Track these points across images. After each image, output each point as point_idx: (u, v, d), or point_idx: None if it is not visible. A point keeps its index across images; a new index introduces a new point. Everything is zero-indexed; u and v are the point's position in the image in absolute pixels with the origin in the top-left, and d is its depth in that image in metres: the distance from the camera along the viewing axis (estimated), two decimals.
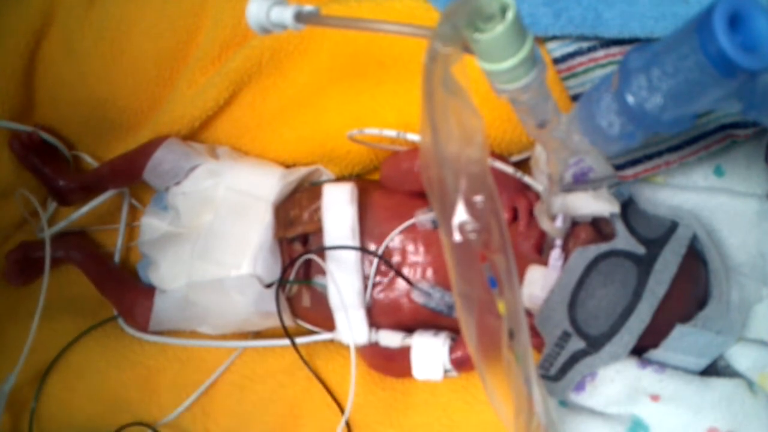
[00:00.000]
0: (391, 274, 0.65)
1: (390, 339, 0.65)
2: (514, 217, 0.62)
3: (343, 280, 0.64)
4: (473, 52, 0.37)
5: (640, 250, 0.57)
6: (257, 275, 0.66)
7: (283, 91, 0.70)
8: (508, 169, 0.60)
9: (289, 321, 0.68)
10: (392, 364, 0.66)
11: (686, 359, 0.58)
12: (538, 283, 0.58)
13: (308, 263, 0.67)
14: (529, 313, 0.59)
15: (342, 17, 0.43)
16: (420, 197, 0.66)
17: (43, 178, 0.76)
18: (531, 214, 0.61)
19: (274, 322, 0.68)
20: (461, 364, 0.63)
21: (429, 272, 0.64)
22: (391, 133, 0.63)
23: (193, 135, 0.73)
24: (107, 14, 0.70)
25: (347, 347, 0.67)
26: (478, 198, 0.35)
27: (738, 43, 0.31)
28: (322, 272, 0.65)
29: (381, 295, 0.65)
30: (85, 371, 0.74)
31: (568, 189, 0.61)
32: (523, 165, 0.67)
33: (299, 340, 0.68)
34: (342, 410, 0.67)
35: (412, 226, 0.65)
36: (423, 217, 0.64)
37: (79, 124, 0.77)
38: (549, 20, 0.56)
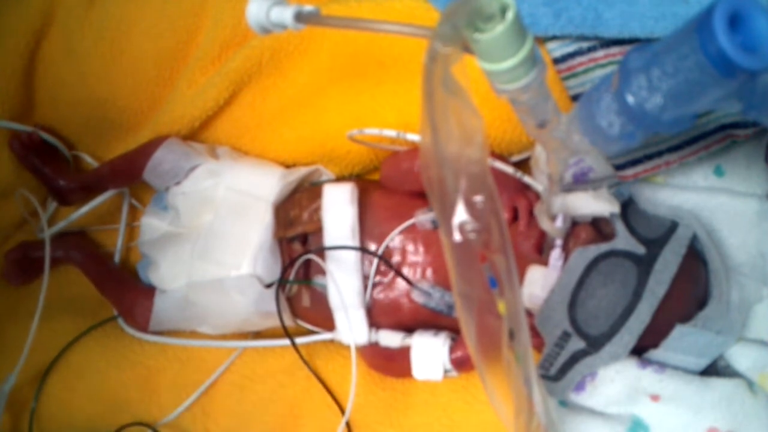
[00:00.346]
0: (391, 274, 0.65)
1: (390, 339, 0.65)
2: (514, 217, 0.62)
3: (343, 280, 0.64)
4: (473, 52, 0.37)
5: (640, 250, 0.57)
6: (257, 275, 0.66)
7: (283, 91, 0.70)
8: (508, 169, 0.60)
9: (289, 321, 0.68)
10: (392, 364, 0.66)
11: (686, 359, 0.58)
12: (538, 283, 0.58)
13: (308, 263, 0.67)
14: (529, 313, 0.59)
15: (342, 17, 0.43)
16: (420, 197, 0.66)
17: (43, 178, 0.76)
18: (531, 214, 0.61)
19: (274, 322, 0.68)
20: (461, 364, 0.63)
21: (429, 272, 0.64)
22: (391, 133, 0.63)
23: (193, 135, 0.73)
24: (107, 14, 0.70)
25: (347, 347, 0.67)
26: (478, 198, 0.35)
27: (738, 43, 0.31)
28: (322, 272, 0.65)
29: (381, 295, 0.65)
30: (85, 371, 0.74)
31: (568, 189, 0.61)
32: (523, 165, 0.67)
33: (299, 340, 0.68)
34: (342, 410, 0.67)
35: (412, 226, 0.65)
36: (423, 217, 0.64)
37: (79, 124, 0.77)
38: (549, 20, 0.56)
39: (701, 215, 0.61)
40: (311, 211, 0.67)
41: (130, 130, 0.76)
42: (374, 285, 0.65)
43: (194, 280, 0.68)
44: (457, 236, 0.35)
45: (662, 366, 0.58)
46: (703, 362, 0.59)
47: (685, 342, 0.57)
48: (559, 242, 0.58)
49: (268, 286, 0.67)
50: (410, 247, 0.65)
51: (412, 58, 0.63)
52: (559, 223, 0.58)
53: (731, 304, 0.59)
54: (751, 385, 0.57)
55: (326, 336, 0.68)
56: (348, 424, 0.67)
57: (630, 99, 0.36)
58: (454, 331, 0.65)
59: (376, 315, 0.66)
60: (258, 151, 0.74)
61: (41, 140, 0.75)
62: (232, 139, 0.74)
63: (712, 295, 0.59)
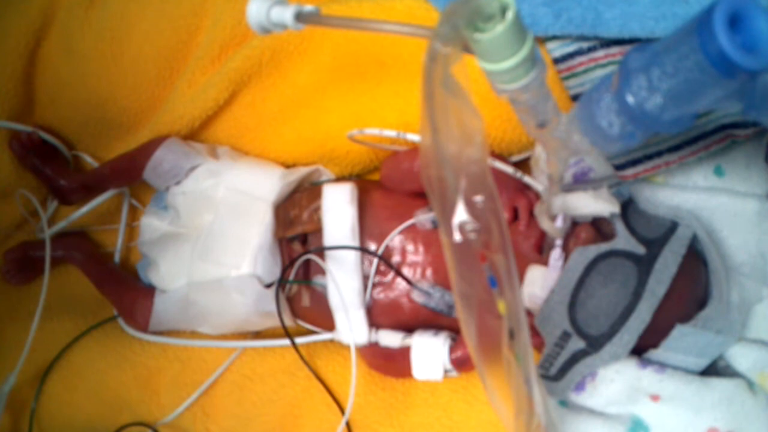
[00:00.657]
0: (391, 274, 0.65)
1: (390, 339, 0.65)
2: (514, 217, 0.62)
3: (343, 280, 0.64)
4: (473, 52, 0.37)
5: (640, 250, 0.57)
6: (257, 275, 0.66)
7: (283, 91, 0.70)
8: (508, 169, 0.60)
9: (289, 321, 0.68)
10: (392, 364, 0.66)
11: (686, 359, 0.58)
12: (538, 282, 0.58)
13: (308, 263, 0.67)
14: (529, 313, 0.59)
15: (342, 17, 0.43)
16: (420, 197, 0.66)
17: (44, 178, 0.76)
18: (531, 214, 0.61)
19: (274, 322, 0.68)
20: (461, 364, 0.63)
21: (429, 272, 0.64)
22: (391, 133, 0.63)
23: (193, 135, 0.73)
24: (107, 14, 0.70)
25: (347, 347, 0.67)
26: (478, 198, 0.35)
27: (738, 43, 0.31)
28: (322, 272, 0.65)
29: (381, 295, 0.65)
30: (85, 371, 0.74)
31: (568, 189, 0.61)
32: (523, 165, 0.67)
33: (299, 340, 0.68)
34: (342, 410, 0.67)
35: (412, 226, 0.65)
36: (423, 217, 0.64)
37: (79, 124, 0.77)
38: (549, 20, 0.56)
39: (701, 215, 0.61)
40: (311, 211, 0.67)
41: (130, 130, 0.76)
42: (374, 285, 0.65)
43: (194, 280, 0.68)
44: (457, 236, 0.35)
45: (662, 366, 0.58)
46: (703, 362, 0.59)
47: (685, 342, 0.57)
48: (559, 242, 0.58)
49: (268, 286, 0.67)
50: (410, 247, 0.65)
51: (412, 58, 0.63)
52: (559, 223, 0.58)
53: (731, 304, 0.59)
54: (751, 385, 0.57)
55: (326, 336, 0.68)
56: (348, 424, 0.67)
57: (630, 99, 0.36)
58: (454, 331, 0.65)
59: (376, 315, 0.66)
60: (258, 151, 0.74)
61: (41, 140, 0.75)
62: (232, 139, 0.74)
63: (712, 295, 0.59)
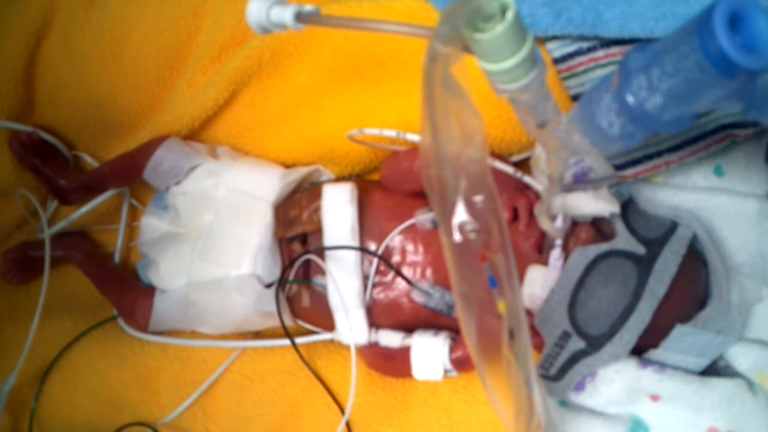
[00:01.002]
0: (391, 274, 0.65)
1: (390, 339, 0.65)
2: (514, 217, 0.62)
3: (343, 280, 0.64)
4: (473, 52, 0.37)
5: (640, 250, 0.57)
6: (257, 275, 0.66)
7: (283, 91, 0.70)
8: (508, 169, 0.60)
9: (289, 321, 0.68)
10: (392, 364, 0.66)
11: (686, 359, 0.58)
12: (538, 282, 0.58)
13: (308, 263, 0.67)
14: (529, 313, 0.59)
15: (342, 17, 0.43)
16: (420, 197, 0.66)
17: (44, 178, 0.76)
18: (531, 214, 0.61)
19: (274, 322, 0.68)
20: (461, 364, 0.63)
21: (429, 272, 0.64)
22: (391, 133, 0.63)
23: (193, 135, 0.73)
24: (107, 14, 0.70)
25: (347, 347, 0.67)
26: (478, 198, 0.35)
27: (738, 43, 0.31)
28: (322, 272, 0.65)
29: (381, 295, 0.65)
30: (85, 371, 0.74)
31: (568, 189, 0.61)
32: (523, 165, 0.67)
33: (299, 340, 0.68)
34: (342, 410, 0.67)
35: (412, 226, 0.65)
36: (423, 217, 0.64)
37: (79, 124, 0.77)
38: (549, 20, 0.56)
39: (701, 215, 0.61)
40: (311, 211, 0.67)
41: (130, 130, 0.76)
42: (374, 285, 0.65)
43: (194, 280, 0.68)
44: (457, 236, 0.35)
45: (662, 366, 0.58)
46: (703, 362, 0.59)
47: (685, 342, 0.57)
48: (559, 242, 0.58)
49: (268, 286, 0.67)
50: (410, 247, 0.65)
51: (412, 58, 0.63)
52: (559, 223, 0.58)
53: (731, 304, 0.59)
54: (751, 385, 0.57)
55: (326, 336, 0.68)
56: (348, 424, 0.67)
57: (630, 99, 0.36)
58: (454, 331, 0.65)
59: (376, 315, 0.66)
60: (258, 151, 0.74)
61: (41, 140, 0.75)
62: (232, 139, 0.74)
63: (712, 295, 0.59)
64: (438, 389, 0.66)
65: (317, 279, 0.66)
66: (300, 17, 0.42)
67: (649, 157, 0.60)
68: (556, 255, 0.58)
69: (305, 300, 0.68)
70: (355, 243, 0.64)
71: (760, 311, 0.61)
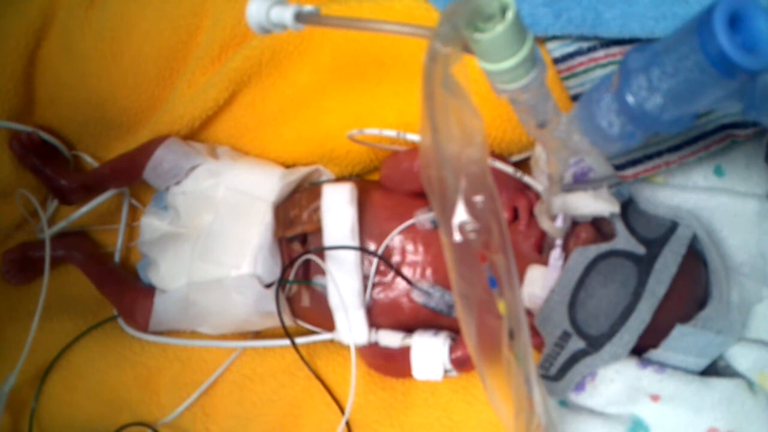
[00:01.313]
0: (391, 274, 0.65)
1: (390, 339, 0.65)
2: (514, 217, 0.62)
3: (343, 280, 0.64)
4: (473, 52, 0.37)
5: (640, 250, 0.57)
6: (257, 275, 0.66)
7: (283, 91, 0.70)
8: (508, 169, 0.60)
9: (289, 321, 0.68)
10: (392, 364, 0.66)
11: (686, 359, 0.58)
12: (538, 282, 0.58)
13: (308, 263, 0.67)
14: (529, 313, 0.59)
15: (342, 17, 0.43)
16: (420, 197, 0.66)
17: (44, 178, 0.76)
18: (531, 214, 0.61)
19: (274, 322, 0.68)
20: (461, 364, 0.63)
21: (428, 272, 0.64)
22: (391, 133, 0.63)
23: (193, 135, 0.73)
24: (107, 14, 0.70)
25: (347, 347, 0.67)
26: (478, 198, 0.35)
27: (738, 43, 0.31)
28: (322, 272, 0.65)
29: (381, 295, 0.65)
30: (85, 371, 0.74)
31: (568, 189, 0.61)
32: (523, 165, 0.67)
33: (299, 340, 0.68)
34: (342, 410, 0.67)
35: (412, 226, 0.65)
36: (423, 217, 0.64)
37: (79, 124, 0.77)
38: (549, 20, 0.56)
39: (701, 215, 0.61)
40: (311, 211, 0.67)
41: (130, 130, 0.76)
42: (374, 285, 0.65)
43: (194, 280, 0.68)
44: (457, 236, 0.35)
45: (662, 366, 0.58)
46: (703, 362, 0.59)
47: (685, 342, 0.57)
48: (559, 242, 0.58)
49: (268, 286, 0.67)
50: (410, 247, 0.65)
51: (412, 58, 0.63)
52: (559, 223, 0.58)
53: (731, 304, 0.59)
54: (751, 385, 0.57)
55: (326, 336, 0.68)
56: (348, 424, 0.67)
57: (630, 99, 0.36)
58: (454, 331, 0.65)
59: (376, 315, 0.66)
60: (258, 151, 0.74)
61: (41, 140, 0.75)
62: (232, 139, 0.74)
63: (712, 295, 0.59)
64: (438, 389, 0.66)
65: (317, 279, 0.66)
66: (300, 17, 0.42)
67: (649, 157, 0.60)
68: (556, 255, 0.58)
69: (305, 300, 0.68)
70: (355, 243, 0.64)
71: (760, 311, 0.61)
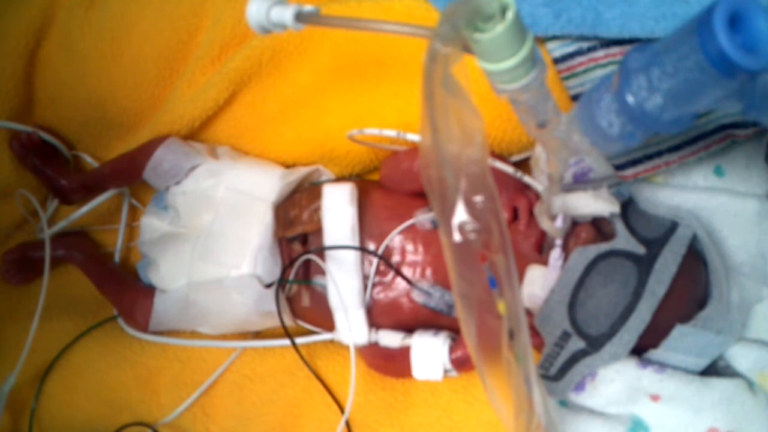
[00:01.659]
0: (391, 273, 0.65)
1: (390, 339, 0.65)
2: (514, 217, 0.62)
3: (343, 280, 0.64)
4: (473, 52, 0.37)
5: (640, 250, 0.57)
6: (257, 275, 0.66)
7: (283, 91, 0.70)
8: (508, 169, 0.60)
9: (289, 321, 0.68)
10: (392, 364, 0.66)
11: (686, 359, 0.58)
12: (538, 282, 0.58)
13: (308, 263, 0.67)
14: (529, 313, 0.59)
15: (342, 17, 0.43)
16: (420, 197, 0.66)
17: (44, 178, 0.76)
18: (531, 214, 0.61)
19: (274, 322, 0.68)
20: (461, 364, 0.63)
21: (428, 272, 0.64)
22: (391, 133, 0.63)
23: (193, 135, 0.73)
24: (107, 14, 0.70)
25: (347, 347, 0.67)
26: (478, 198, 0.35)
27: (738, 43, 0.31)
28: (322, 272, 0.65)
29: (381, 295, 0.65)
30: (85, 371, 0.74)
31: (568, 189, 0.61)
32: (523, 165, 0.67)
33: (299, 340, 0.68)
34: (342, 410, 0.67)
35: (412, 226, 0.65)
36: (423, 217, 0.64)
37: (79, 124, 0.77)
38: (549, 20, 0.56)
39: (701, 215, 0.61)
40: (311, 211, 0.67)
41: (130, 130, 0.76)
42: (374, 285, 0.65)
43: (194, 280, 0.68)
44: (457, 236, 0.35)
45: (662, 366, 0.58)
46: (703, 362, 0.59)
47: (685, 342, 0.57)
48: (559, 242, 0.58)
49: (268, 286, 0.67)
50: (410, 247, 0.65)
51: (412, 58, 0.63)
52: (559, 223, 0.58)
53: (731, 304, 0.59)
54: (751, 385, 0.57)
55: (326, 336, 0.68)
56: (348, 424, 0.67)
57: (630, 99, 0.36)
58: (454, 331, 0.65)
59: (376, 315, 0.66)
60: (258, 151, 0.74)
61: (41, 140, 0.75)
62: (232, 139, 0.74)
63: (712, 295, 0.59)
64: (438, 389, 0.66)
65: (317, 279, 0.67)
66: (300, 17, 0.42)
67: (649, 157, 0.60)
68: (556, 255, 0.58)
69: (305, 300, 0.68)
70: (355, 243, 0.64)
71: (760, 311, 0.61)
